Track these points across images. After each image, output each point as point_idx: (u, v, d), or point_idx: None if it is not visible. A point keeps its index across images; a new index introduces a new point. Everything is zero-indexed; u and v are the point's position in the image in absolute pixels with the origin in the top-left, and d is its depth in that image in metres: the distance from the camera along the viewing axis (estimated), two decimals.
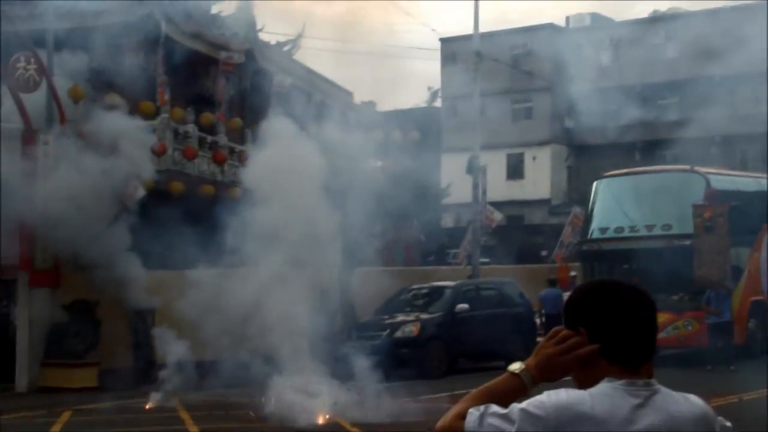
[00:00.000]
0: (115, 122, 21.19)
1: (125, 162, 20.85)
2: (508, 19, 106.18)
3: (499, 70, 41.47)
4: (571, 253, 32.08)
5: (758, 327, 24.19)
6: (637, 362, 2.79)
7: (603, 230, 25.12)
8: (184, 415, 16.63)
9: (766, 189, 26.49)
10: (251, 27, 28.73)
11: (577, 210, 33.34)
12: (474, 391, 2.81)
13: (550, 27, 52.58)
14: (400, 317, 23.05)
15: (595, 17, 54.72)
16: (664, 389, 2.77)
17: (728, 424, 2.87)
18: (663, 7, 53.63)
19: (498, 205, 38.92)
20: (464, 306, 23.29)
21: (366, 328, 23.23)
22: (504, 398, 2.76)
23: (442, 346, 22.58)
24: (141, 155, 21.40)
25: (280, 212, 16.81)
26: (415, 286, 25.03)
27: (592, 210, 26.02)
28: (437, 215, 44.58)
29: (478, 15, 30.09)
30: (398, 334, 22.29)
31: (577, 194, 43.83)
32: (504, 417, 2.66)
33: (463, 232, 39.55)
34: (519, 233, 44.92)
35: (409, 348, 21.98)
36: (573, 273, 27.23)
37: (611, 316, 2.78)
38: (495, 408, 2.69)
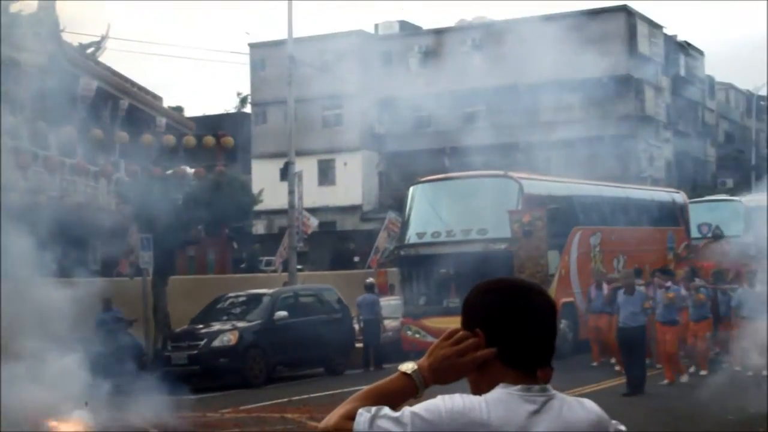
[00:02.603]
0: None
1: None
2: (318, 25, 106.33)
3: (309, 75, 41.23)
4: (387, 258, 32.14)
5: (569, 328, 24.79)
6: (534, 367, 2.69)
7: (420, 235, 25.25)
8: None
9: (574, 193, 27.30)
10: (54, 27, 27.47)
11: (392, 215, 33.44)
12: (362, 390, 2.66)
13: (360, 33, 52.81)
14: (217, 326, 22.53)
15: (404, 24, 55.31)
16: (559, 394, 2.70)
17: (622, 428, 2.80)
18: (469, 16, 54.54)
19: (310, 211, 38.67)
20: (283, 313, 22.96)
21: (181, 337, 22.60)
22: (394, 399, 2.65)
23: (261, 354, 22.18)
24: None
25: None
26: (231, 294, 24.51)
27: (408, 215, 26.11)
28: (249, 222, 44.03)
29: (291, 20, 29.77)
30: (216, 343, 21.80)
31: (389, 200, 44.11)
32: (396, 420, 2.55)
33: (276, 238, 39.15)
34: (331, 239, 44.82)
35: (228, 357, 21.52)
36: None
37: (508, 319, 2.69)
38: (387, 410, 2.57)
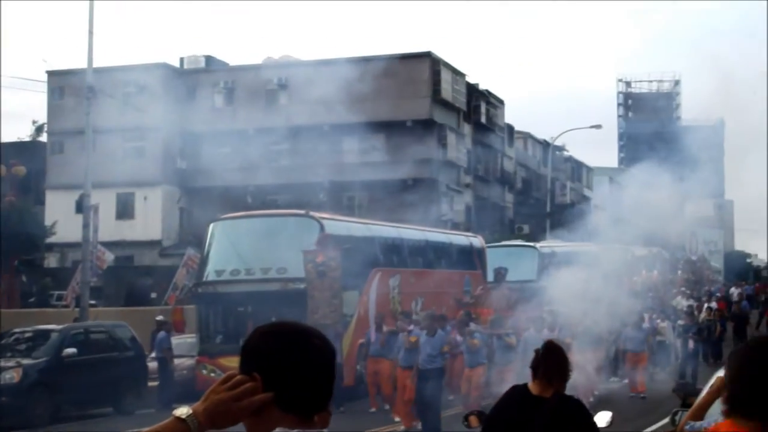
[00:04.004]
0: None
1: None
2: (122, 55, 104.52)
3: (110, 106, 40.21)
4: (186, 295, 31.48)
5: (364, 369, 24.74)
6: (312, 411, 2.71)
7: (219, 272, 24.80)
8: None
9: (375, 234, 27.44)
10: None
11: (191, 252, 32.83)
12: None
13: (165, 66, 51.97)
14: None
15: (210, 59, 54.79)
16: None
17: None
18: (276, 54, 54.49)
19: (108, 245, 37.59)
20: (72, 350, 22.10)
21: None
22: None
23: (47, 393, 21.31)
24: None
25: None
26: (17, 330, 23.45)
27: (208, 252, 25.66)
28: (40, 255, 42.42)
29: (92, 48, 28.94)
30: None
31: (190, 236, 43.39)
32: None
33: (69, 272, 37.85)
34: (128, 274, 43.65)
35: (9, 396, 20.58)
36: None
37: (286, 363, 2.70)
38: None
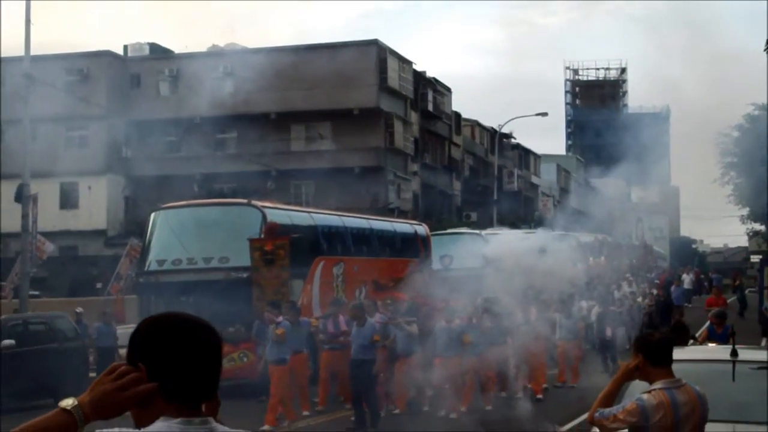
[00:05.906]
0: None
1: None
2: (64, 43, 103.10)
3: (52, 95, 39.74)
4: (129, 285, 31.24)
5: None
6: (198, 400, 2.75)
7: (161, 262, 24.62)
8: None
9: (318, 223, 27.40)
10: None
11: (134, 241, 32.57)
12: (18, 428, 2.66)
13: (109, 54, 51.46)
14: None
15: (154, 48, 54.30)
16: (221, 427, 2.79)
17: None
18: (222, 42, 54.15)
19: (51, 235, 37.21)
20: (10, 342, 21.83)
21: None
22: None
23: None
24: None
25: None
26: None
27: (149, 242, 25.47)
28: None
29: (29, 36, 28.61)
30: None
31: (135, 225, 43.05)
32: None
33: (9, 263, 37.40)
34: (73, 265, 43.21)
35: None
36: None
37: (169, 353, 2.73)
38: None
